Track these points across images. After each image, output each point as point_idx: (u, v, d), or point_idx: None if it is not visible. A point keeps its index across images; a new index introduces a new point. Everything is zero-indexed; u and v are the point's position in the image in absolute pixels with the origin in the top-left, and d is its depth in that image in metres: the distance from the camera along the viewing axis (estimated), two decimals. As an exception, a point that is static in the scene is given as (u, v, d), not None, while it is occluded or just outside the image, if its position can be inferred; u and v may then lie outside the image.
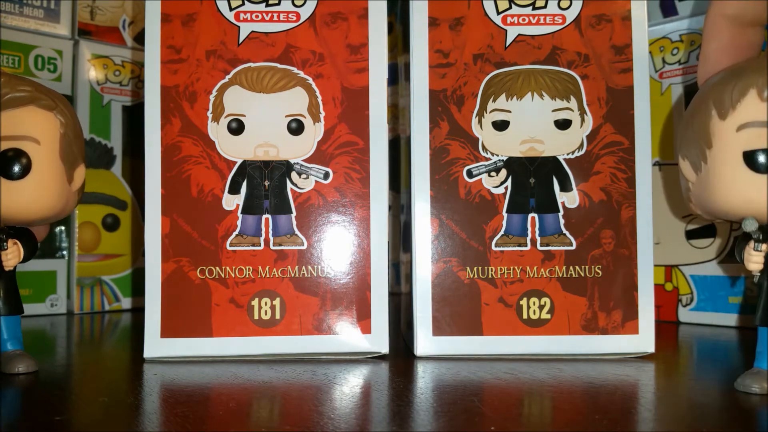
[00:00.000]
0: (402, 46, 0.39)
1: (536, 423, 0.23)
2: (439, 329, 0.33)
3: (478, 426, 0.22)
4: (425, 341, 0.33)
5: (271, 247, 0.33)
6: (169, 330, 0.33)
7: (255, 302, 0.33)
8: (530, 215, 0.34)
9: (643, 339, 0.33)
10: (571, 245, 0.34)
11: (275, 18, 0.34)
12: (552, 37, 0.34)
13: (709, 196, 0.27)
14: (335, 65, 0.34)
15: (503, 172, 0.34)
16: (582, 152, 0.34)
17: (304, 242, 0.34)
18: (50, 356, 0.35)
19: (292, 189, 0.34)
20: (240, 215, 0.33)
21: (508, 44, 0.34)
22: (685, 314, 0.47)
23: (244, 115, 0.34)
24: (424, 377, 0.30)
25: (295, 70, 0.34)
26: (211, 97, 0.34)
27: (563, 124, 0.34)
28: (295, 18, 0.34)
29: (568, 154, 0.34)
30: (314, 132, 0.34)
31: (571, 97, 0.34)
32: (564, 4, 0.35)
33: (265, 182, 0.34)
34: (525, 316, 0.34)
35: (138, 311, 0.54)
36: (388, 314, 0.33)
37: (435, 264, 0.34)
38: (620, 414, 0.24)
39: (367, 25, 0.34)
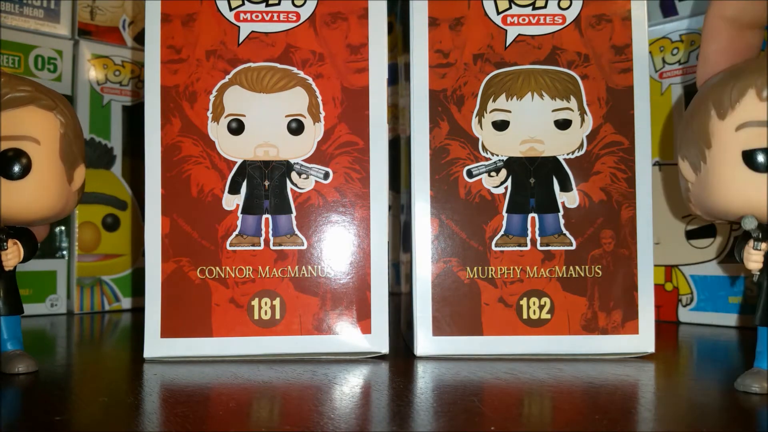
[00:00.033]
0: (402, 46, 0.39)
1: (536, 423, 0.23)
2: (439, 329, 0.33)
3: (478, 426, 0.22)
4: (425, 341, 0.33)
5: (271, 247, 0.33)
6: (169, 330, 0.33)
7: (255, 302, 0.33)
8: (530, 215, 0.34)
9: (643, 339, 0.33)
10: (571, 245, 0.34)
11: (275, 18, 0.34)
12: (552, 37, 0.34)
13: (709, 196, 0.27)
14: (335, 65, 0.34)
15: (503, 172, 0.34)
16: (582, 152, 0.34)
17: (304, 242, 0.34)
18: (50, 356, 0.35)
19: (292, 189, 0.34)
20: (240, 215, 0.33)
21: (508, 44, 0.34)
22: (685, 314, 0.47)
23: (244, 115, 0.34)
24: (424, 377, 0.30)
25: (295, 70, 0.34)
26: (211, 97, 0.34)
27: (563, 124, 0.34)
28: (295, 18, 0.34)
29: (568, 154, 0.34)
30: (314, 132, 0.34)
31: (571, 97, 0.34)
32: (564, 4, 0.35)
33: (265, 182, 0.34)
34: (525, 316, 0.34)
35: (138, 311, 0.54)
36: (388, 314, 0.33)
37: (435, 264, 0.34)
38: (620, 414, 0.24)
39: (367, 25, 0.34)
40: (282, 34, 0.34)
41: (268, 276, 0.33)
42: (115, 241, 0.55)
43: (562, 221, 0.34)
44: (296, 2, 0.34)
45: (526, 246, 0.34)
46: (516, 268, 0.34)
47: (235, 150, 0.34)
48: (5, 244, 0.30)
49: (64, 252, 0.53)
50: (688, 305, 0.47)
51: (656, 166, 0.48)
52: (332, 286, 0.33)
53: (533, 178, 0.34)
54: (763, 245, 0.27)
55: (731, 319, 0.45)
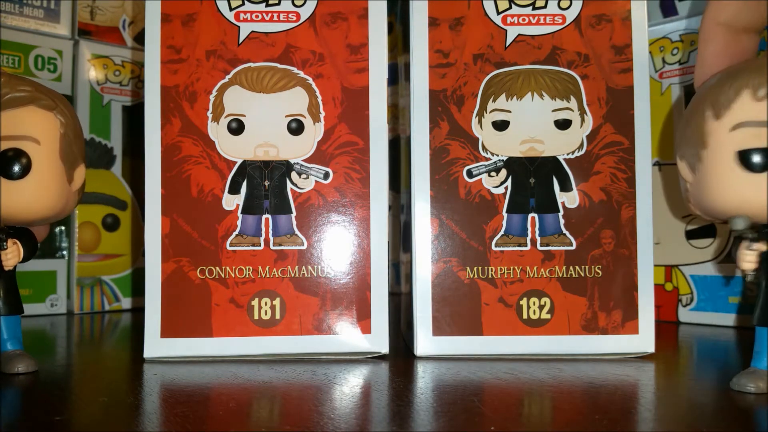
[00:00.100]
0: (402, 46, 0.39)
1: (536, 423, 0.23)
2: (439, 329, 0.33)
3: (478, 426, 0.22)
4: (425, 341, 0.33)
5: (271, 247, 0.33)
6: (169, 330, 0.33)
7: (255, 302, 0.33)
8: (530, 215, 0.34)
9: (643, 339, 0.33)
10: (571, 245, 0.34)
11: (275, 18, 0.34)
12: (552, 37, 0.34)
13: (705, 196, 0.27)
14: (335, 65, 0.34)
15: (503, 172, 0.34)
16: (582, 152, 0.34)
17: (304, 242, 0.34)
18: (50, 356, 0.35)
19: (292, 189, 0.34)
20: (240, 215, 0.33)
21: (508, 44, 0.34)
22: (685, 314, 0.47)
23: (244, 115, 0.34)
24: (424, 377, 0.30)
25: (295, 70, 0.34)
26: (211, 97, 0.34)
27: (563, 124, 0.34)
28: (295, 18, 0.34)
29: (568, 154, 0.34)
30: (314, 132, 0.34)
31: (571, 97, 0.34)
32: (564, 4, 0.35)
33: (265, 182, 0.34)
34: (525, 316, 0.34)
35: (138, 311, 0.54)
36: (388, 314, 0.33)
37: (435, 264, 0.34)
38: (620, 414, 0.24)
39: (367, 25, 0.34)
40: (282, 34, 0.34)
41: (268, 276, 0.33)
42: (115, 241, 0.55)
43: (562, 221, 0.34)
44: (296, 2, 0.34)
45: (526, 246, 0.34)
46: (516, 268, 0.34)
47: (235, 150, 0.34)
48: (5, 243, 0.30)
49: (64, 252, 0.53)
50: (688, 305, 0.47)
51: (656, 166, 0.48)
52: (332, 286, 0.33)
53: (533, 178, 0.34)
54: (757, 245, 0.27)
55: (731, 319, 0.45)
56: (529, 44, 0.34)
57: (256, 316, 0.33)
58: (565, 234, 0.34)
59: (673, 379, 0.31)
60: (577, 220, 0.34)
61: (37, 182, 0.29)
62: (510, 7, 0.35)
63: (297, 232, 0.34)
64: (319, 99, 0.34)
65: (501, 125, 0.34)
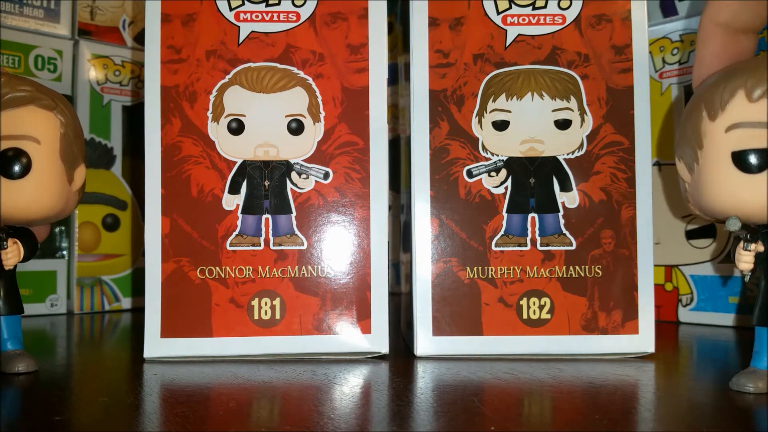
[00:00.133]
0: (402, 46, 0.39)
1: (536, 423, 0.23)
2: (439, 329, 0.33)
3: (478, 426, 0.22)
4: (425, 341, 0.33)
5: (271, 247, 0.33)
6: (169, 330, 0.33)
7: (255, 302, 0.33)
8: (530, 215, 0.34)
9: (643, 339, 0.33)
10: (571, 245, 0.34)
11: (275, 18, 0.34)
12: (552, 37, 0.34)
13: (702, 196, 0.27)
14: (335, 65, 0.34)
15: (503, 172, 0.34)
16: (582, 152, 0.34)
17: (304, 242, 0.34)
18: (50, 356, 0.35)
19: (292, 189, 0.34)
20: (240, 215, 0.33)
21: (508, 44, 0.34)
22: (685, 314, 0.47)
23: (244, 115, 0.34)
24: (424, 377, 0.30)
25: (295, 70, 0.34)
26: (211, 97, 0.34)
27: (563, 124, 0.34)
28: (295, 18, 0.34)
29: (568, 154, 0.34)
30: (314, 132, 0.34)
31: (571, 97, 0.34)
32: (564, 4, 0.35)
33: (265, 182, 0.34)
34: (525, 316, 0.34)
35: (138, 311, 0.54)
36: (388, 314, 0.33)
37: (435, 264, 0.34)
38: (620, 414, 0.24)
39: (367, 25, 0.34)
40: (282, 34, 0.34)
41: (268, 276, 0.33)
42: (115, 241, 0.55)
43: (562, 221, 0.34)
44: (296, 2, 0.34)
45: (526, 246, 0.34)
46: (516, 268, 0.34)
47: (235, 150, 0.34)
48: (5, 243, 0.30)
49: (64, 252, 0.53)
50: (688, 305, 0.47)
51: (656, 166, 0.48)
52: (332, 286, 0.33)
53: (533, 178, 0.34)
54: (753, 246, 0.27)
55: (731, 319, 0.45)
56: (529, 44, 0.34)
57: (256, 316, 0.33)
58: (565, 234, 0.34)
59: (673, 379, 0.31)
60: (577, 220, 0.34)
61: (37, 182, 0.29)
62: (510, 7, 0.35)
63: (297, 232, 0.34)
64: (319, 99, 0.34)
65: (501, 125, 0.34)
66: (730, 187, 0.26)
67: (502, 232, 0.34)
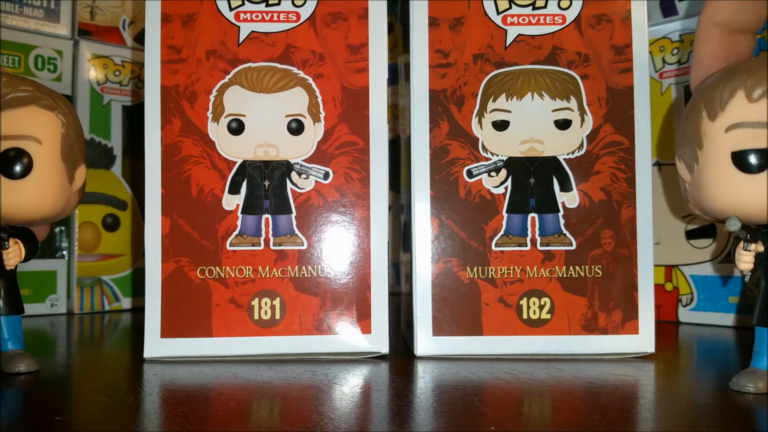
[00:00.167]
0: (402, 46, 0.39)
1: (536, 423, 0.23)
2: (439, 329, 0.33)
3: (478, 426, 0.22)
4: (425, 341, 0.33)
5: (271, 247, 0.33)
6: (169, 330, 0.33)
7: (255, 302, 0.33)
8: (530, 215, 0.34)
9: (643, 339, 0.33)
10: (571, 245, 0.34)
11: (275, 18, 0.34)
12: (552, 37, 0.34)
13: (701, 196, 0.27)
14: (335, 65, 0.34)
15: (503, 172, 0.34)
16: (582, 152, 0.34)
17: (304, 242, 0.34)
18: (50, 356, 0.35)
19: (292, 189, 0.34)
20: (240, 215, 0.33)
21: (508, 44, 0.34)
22: (685, 314, 0.47)
23: (244, 115, 0.34)
24: (424, 377, 0.30)
25: (295, 70, 0.34)
26: (211, 97, 0.34)
27: (563, 124, 0.34)
28: (295, 18, 0.34)
29: (568, 154, 0.34)
30: (314, 132, 0.34)
31: (571, 97, 0.34)
32: (564, 4, 0.35)
33: (265, 182, 0.34)
34: (525, 316, 0.34)
35: (138, 311, 0.54)
36: (388, 314, 0.33)
37: (435, 264, 0.34)
38: (620, 414, 0.24)
39: (367, 25, 0.34)
40: (282, 34, 0.34)
41: (268, 276, 0.33)
42: (115, 241, 0.55)
43: (562, 221, 0.34)
44: (296, 2, 0.34)
45: (526, 246, 0.34)
46: (516, 268, 0.34)
47: (235, 150, 0.34)
48: (6, 243, 0.30)
49: (64, 252, 0.53)
50: (688, 305, 0.47)
51: (656, 166, 0.48)
52: (332, 286, 0.33)
53: (533, 178, 0.34)
54: (753, 246, 0.27)
55: (731, 319, 0.45)
56: (529, 44, 0.34)
57: (256, 316, 0.33)
58: (565, 234, 0.34)
59: (673, 379, 0.31)
60: (577, 220, 0.34)
61: (38, 182, 0.29)
62: (510, 7, 0.35)
63: (297, 232, 0.34)
64: (319, 99, 0.34)
65: (501, 125, 0.34)
66: (730, 187, 0.26)
67: (502, 232, 0.34)
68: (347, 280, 0.33)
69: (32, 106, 0.29)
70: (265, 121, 0.34)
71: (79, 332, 0.45)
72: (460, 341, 0.33)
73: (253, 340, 0.33)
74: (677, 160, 0.29)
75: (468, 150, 0.34)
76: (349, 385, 0.28)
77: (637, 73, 0.34)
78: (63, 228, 0.53)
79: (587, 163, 0.34)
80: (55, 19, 0.53)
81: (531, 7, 0.35)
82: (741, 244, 0.27)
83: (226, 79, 0.34)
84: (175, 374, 0.30)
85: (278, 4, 0.34)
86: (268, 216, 0.34)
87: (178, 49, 0.34)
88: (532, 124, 0.34)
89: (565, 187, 0.34)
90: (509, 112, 0.34)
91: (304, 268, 0.33)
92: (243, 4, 0.34)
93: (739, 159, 0.25)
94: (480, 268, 0.34)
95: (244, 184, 0.34)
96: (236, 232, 0.33)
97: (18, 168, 0.29)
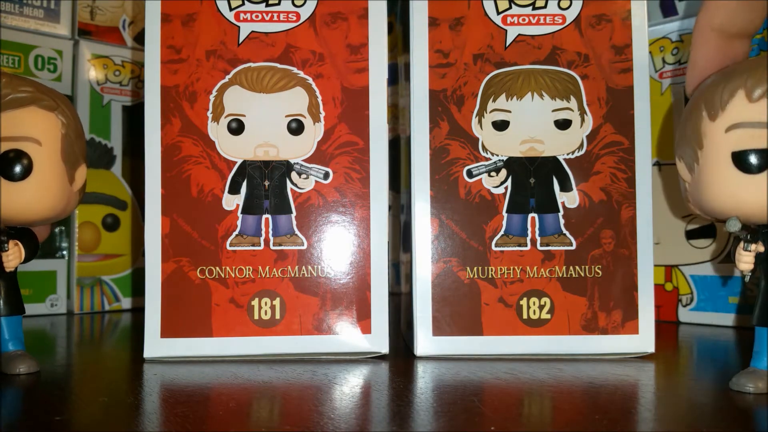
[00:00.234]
0: (402, 46, 0.39)
1: (536, 423, 0.23)
2: (439, 329, 0.33)
3: (478, 426, 0.22)
4: (425, 341, 0.33)
5: (271, 247, 0.33)
6: (169, 330, 0.33)
7: (255, 302, 0.33)
8: (530, 215, 0.34)
9: (643, 339, 0.33)
10: (571, 245, 0.34)
11: (275, 18, 0.34)
12: (552, 37, 0.34)
13: (702, 196, 0.27)
14: (335, 65, 0.34)
15: (503, 172, 0.34)
16: (582, 152, 0.34)
17: (304, 242, 0.34)
18: (50, 356, 0.35)
19: (292, 189, 0.34)
20: (240, 215, 0.33)
21: (508, 44, 0.34)
22: (685, 314, 0.47)
23: (244, 115, 0.34)
24: (424, 377, 0.30)
25: (295, 70, 0.34)
26: (211, 97, 0.34)
27: (563, 124, 0.34)
28: (295, 18, 0.34)
29: (568, 154, 0.34)
30: (314, 132, 0.34)
31: (571, 97, 0.34)
32: (564, 4, 0.35)
33: (265, 182, 0.34)
34: (525, 316, 0.34)
35: (138, 311, 0.54)
36: (388, 314, 0.33)
37: (435, 264, 0.34)
38: (620, 414, 0.24)
39: (367, 25, 0.34)
40: (282, 34, 0.34)
41: (268, 276, 0.33)
42: (115, 241, 0.55)
43: (562, 221, 0.34)
44: (296, 2, 0.34)
45: (526, 246, 0.34)
46: (516, 268, 0.34)
47: (235, 150, 0.34)
48: (6, 245, 0.30)
49: (64, 252, 0.53)
50: (688, 305, 0.47)
51: (656, 166, 0.48)
52: (332, 286, 0.33)
53: (533, 178, 0.34)
54: (753, 246, 0.27)
55: (731, 319, 0.45)
56: (529, 44, 0.34)
57: (256, 316, 0.33)
58: (565, 234, 0.34)
59: (673, 379, 0.31)
60: (577, 220, 0.34)
61: (38, 183, 0.29)
62: (510, 7, 0.35)
63: (297, 232, 0.34)
64: (319, 99, 0.34)
65: (501, 125, 0.34)
66: (730, 187, 0.26)
67: (502, 232, 0.34)
68: (347, 280, 0.33)
69: (32, 107, 0.29)
70: (265, 121, 0.34)
71: (79, 332, 0.45)
72: (460, 341, 0.33)
73: (253, 340, 0.33)
74: (677, 160, 0.29)
75: (468, 150, 0.34)
76: (349, 385, 0.28)
77: (637, 73, 0.34)
78: (63, 228, 0.53)
79: (587, 163, 0.34)
80: (55, 19, 0.53)
81: (531, 7, 0.35)
82: (741, 244, 0.27)
83: (226, 79, 0.34)
84: (175, 374, 0.30)
85: (278, 4, 0.34)
86: (268, 216, 0.34)
87: (178, 49, 0.34)
88: (532, 124, 0.34)
89: (565, 187, 0.34)
90: (509, 112, 0.34)
91: (304, 268, 0.33)
92: (243, 4, 0.34)
93: (740, 159, 0.26)
94: (480, 268, 0.34)
95: (244, 184, 0.34)
96: (236, 232, 0.33)
97: (18, 170, 0.29)
